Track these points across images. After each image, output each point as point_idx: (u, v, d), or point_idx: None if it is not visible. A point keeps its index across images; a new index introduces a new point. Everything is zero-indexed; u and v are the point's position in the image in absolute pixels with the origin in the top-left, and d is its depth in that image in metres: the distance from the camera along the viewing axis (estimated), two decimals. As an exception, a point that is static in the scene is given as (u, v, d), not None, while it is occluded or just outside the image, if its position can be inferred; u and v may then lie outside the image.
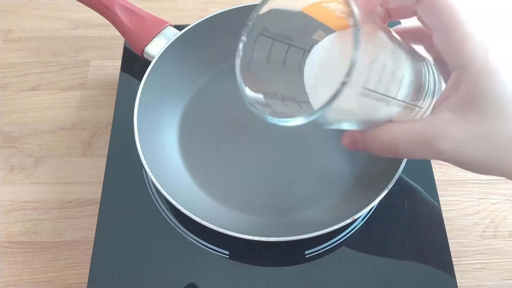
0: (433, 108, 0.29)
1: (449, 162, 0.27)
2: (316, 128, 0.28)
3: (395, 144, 0.27)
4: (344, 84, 0.22)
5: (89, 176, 0.48)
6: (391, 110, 0.28)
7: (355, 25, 0.23)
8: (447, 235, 0.42)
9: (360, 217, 0.39)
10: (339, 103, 0.23)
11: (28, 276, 0.43)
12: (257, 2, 0.51)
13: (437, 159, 0.27)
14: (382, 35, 0.26)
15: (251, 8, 0.51)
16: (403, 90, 0.27)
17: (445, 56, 0.27)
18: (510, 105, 0.25)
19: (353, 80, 0.22)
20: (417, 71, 0.28)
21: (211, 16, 0.49)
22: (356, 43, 0.22)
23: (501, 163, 0.27)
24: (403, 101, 0.28)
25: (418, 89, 0.28)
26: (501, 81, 0.25)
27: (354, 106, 0.26)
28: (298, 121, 0.25)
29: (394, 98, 0.27)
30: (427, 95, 0.30)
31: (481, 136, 0.26)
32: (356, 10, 0.23)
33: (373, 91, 0.25)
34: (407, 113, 0.29)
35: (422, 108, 0.30)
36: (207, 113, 0.49)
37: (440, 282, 0.40)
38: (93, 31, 0.60)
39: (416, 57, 0.29)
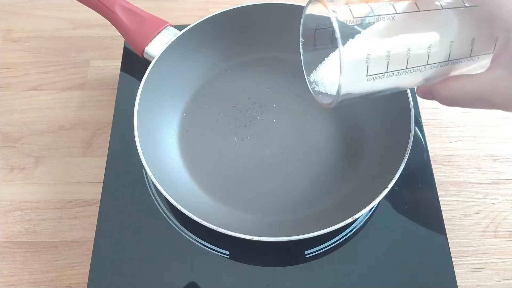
0: (491, 60, 0.30)
1: (503, 110, 0.30)
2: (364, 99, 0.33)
3: (454, 99, 0.31)
4: (339, 86, 0.29)
5: (89, 176, 0.48)
6: (434, 72, 0.31)
7: (335, 30, 0.28)
8: (447, 235, 0.42)
9: (360, 217, 0.39)
10: (348, 93, 0.30)
11: (28, 276, 0.43)
12: (257, 2, 0.51)
13: (491, 109, 0.31)
14: (384, 24, 0.30)
15: (251, 8, 0.51)
16: (438, 54, 0.30)
17: (492, 16, 0.29)
18: None
19: (346, 79, 0.29)
20: (457, 30, 0.30)
21: (211, 16, 0.49)
22: (339, 46, 0.28)
23: None
24: (447, 61, 0.31)
25: (465, 44, 0.31)
26: None
27: (372, 87, 0.31)
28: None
29: (426, 65, 0.30)
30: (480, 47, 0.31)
31: None
32: (332, 17, 0.28)
33: (383, 73, 0.30)
34: (465, 65, 0.32)
35: (479, 57, 0.31)
36: (207, 113, 0.49)
37: (440, 282, 0.40)
38: (93, 31, 0.60)
39: (456, 15, 0.31)
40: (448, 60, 0.31)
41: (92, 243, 0.42)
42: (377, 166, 0.43)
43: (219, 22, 0.49)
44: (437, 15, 0.31)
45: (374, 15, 0.30)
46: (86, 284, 0.40)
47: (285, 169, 0.45)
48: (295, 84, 0.50)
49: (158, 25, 0.49)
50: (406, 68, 0.31)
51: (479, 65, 0.32)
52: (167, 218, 0.43)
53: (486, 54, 0.31)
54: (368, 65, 0.29)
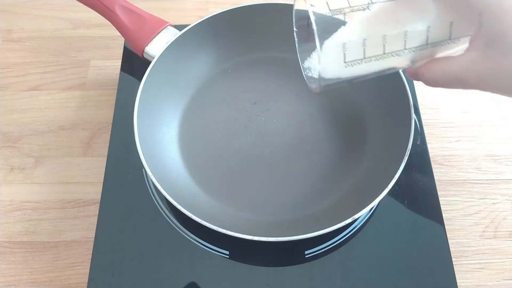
0: (469, 42, 0.31)
1: (480, 90, 0.32)
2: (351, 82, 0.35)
3: (436, 81, 0.33)
4: (319, 73, 0.33)
5: (89, 176, 0.48)
6: (412, 55, 0.33)
7: (311, 23, 0.31)
8: (447, 235, 0.42)
9: (360, 217, 0.39)
10: (330, 79, 0.34)
11: (28, 276, 0.43)
12: (257, 2, 0.51)
13: (469, 89, 0.32)
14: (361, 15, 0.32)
15: (251, 8, 0.51)
16: (416, 39, 0.32)
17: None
18: None
19: (323, 66, 0.33)
20: (434, 15, 0.31)
21: (211, 16, 0.49)
22: (315, 36, 0.31)
23: None
24: (425, 44, 0.32)
25: (443, 28, 0.32)
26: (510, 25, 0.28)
27: (353, 72, 0.33)
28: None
29: (404, 49, 0.32)
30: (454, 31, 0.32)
31: (501, 71, 0.29)
32: (309, 10, 0.31)
33: (360, 59, 0.32)
34: (448, 47, 0.33)
35: (460, 39, 0.33)
36: (207, 113, 0.49)
37: (440, 282, 0.40)
38: (93, 31, 0.60)
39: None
40: (426, 44, 0.32)
41: (92, 243, 0.42)
42: (377, 166, 0.43)
43: (219, 22, 0.49)
44: (412, 2, 0.32)
45: (350, 6, 0.32)
46: (86, 284, 0.40)
47: (285, 169, 0.45)
48: (295, 84, 0.50)
49: (158, 25, 0.49)
50: (384, 54, 0.32)
51: (462, 47, 0.32)
52: (167, 218, 0.43)
53: (468, 36, 0.32)
54: (345, 53, 0.32)
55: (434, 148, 0.49)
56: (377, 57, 0.33)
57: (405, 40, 0.32)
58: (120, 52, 0.54)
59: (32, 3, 0.62)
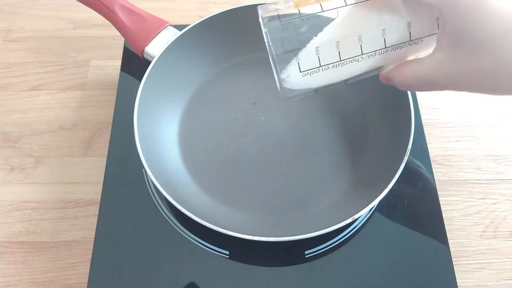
0: (436, 42, 0.30)
1: (452, 90, 0.30)
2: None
3: (408, 84, 0.32)
4: (280, 83, 0.33)
5: (89, 176, 0.48)
6: (373, 60, 0.32)
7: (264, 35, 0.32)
8: (447, 235, 0.42)
9: (360, 217, 0.39)
10: (293, 89, 0.34)
11: (28, 276, 0.43)
12: (257, 2, 0.51)
13: (441, 90, 0.31)
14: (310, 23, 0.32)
15: (251, 8, 0.51)
16: (372, 43, 0.32)
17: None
18: (489, 39, 0.27)
19: (282, 77, 0.33)
20: (388, 17, 0.31)
21: (211, 16, 0.49)
22: (268, 50, 0.32)
23: (496, 83, 0.29)
24: (384, 48, 0.32)
25: (401, 29, 0.31)
26: (474, 19, 0.27)
27: (312, 82, 0.33)
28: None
29: (362, 55, 0.32)
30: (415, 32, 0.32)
31: (470, 71, 0.28)
32: (261, 23, 0.32)
33: (317, 67, 0.32)
34: (413, 48, 0.32)
35: (423, 39, 0.32)
36: (207, 113, 0.49)
37: (440, 282, 0.40)
38: (93, 31, 0.60)
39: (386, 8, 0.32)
40: (386, 47, 0.32)
41: (92, 243, 0.42)
42: (377, 166, 0.43)
43: (219, 22, 0.49)
44: (364, 6, 0.31)
45: (301, 17, 0.32)
46: (86, 284, 0.40)
47: (285, 169, 0.45)
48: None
49: (158, 25, 0.49)
50: (341, 60, 0.32)
51: (431, 48, 0.32)
52: (167, 218, 0.43)
53: (432, 35, 0.31)
54: (298, 62, 0.32)
55: (434, 148, 0.49)
56: (335, 64, 0.32)
57: (360, 45, 0.32)
58: (120, 52, 0.54)
59: (32, 3, 0.62)
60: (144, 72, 0.45)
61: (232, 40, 0.51)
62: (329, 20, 0.32)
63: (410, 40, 0.32)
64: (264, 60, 0.52)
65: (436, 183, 0.45)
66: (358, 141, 0.47)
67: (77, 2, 0.50)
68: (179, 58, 0.48)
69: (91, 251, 0.41)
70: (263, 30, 0.32)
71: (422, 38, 0.32)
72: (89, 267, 0.41)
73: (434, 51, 0.30)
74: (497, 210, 0.46)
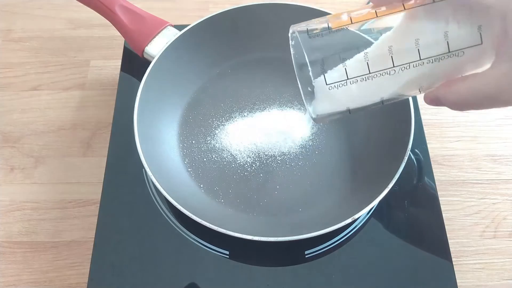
0: (496, 53, 0.28)
1: None
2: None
3: (463, 102, 0.29)
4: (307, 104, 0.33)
5: (89, 176, 0.48)
6: (408, 74, 0.30)
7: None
8: (447, 235, 0.42)
9: (360, 217, 0.39)
10: (324, 110, 0.33)
11: (28, 276, 0.43)
12: (257, 2, 0.51)
13: (504, 107, 0.28)
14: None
15: (251, 8, 0.51)
16: (404, 54, 0.29)
17: (472, 3, 0.27)
18: None
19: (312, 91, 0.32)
20: (423, 25, 0.29)
21: (211, 16, 0.49)
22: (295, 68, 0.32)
23: None
24: (419, 60, 0.29)
25: (436, 40, 0.29)
26: None
27: (344, 98, 0.32)
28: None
29: (394, 67, 0.30)
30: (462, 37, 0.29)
31: None
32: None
33: (344, 80, 0.31)
34: (452, 64, 0.29)
35: (465, 51, 0.29)
36: (207, 112, 0.49)
37: (440, 282, 0.40)
38: (93, 31, 0.60)
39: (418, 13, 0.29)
40: (421, 59, 0.29)
41: (92, 243, 0.42)
42: (377, 166, 0.43)
43: (219, 22, 0.49)
44: (396, 16, 0.30)
45: (329, 29, 0.31)
46: (86, 284, 0.40)
47: (285, 169, 0.45)
48: (295, 84, 0.49)
49: (158, 25, 0.49)
50: (370, 73, 0.30)
51: (478, 62, 0.29)
52: (167, 218, 0.43)
53: (473, 46, 0.29)
54: (324, 74, 0.31)
55: (434, 148, 0.49)
56: (363, 78, 0.31)
57: (391, 57, 0.30)
58: (120, 52, 0.54)
59: (32, 3, 0.62)
60: (144, 72, 0.45)
61: (232, 40, 0.51)
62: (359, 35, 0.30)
63: (449, 52, 0.29)
64: (264, 60, 0.52)
65: (436, 183, 0.45)
66: (358, 141, 0.47)
67: (77, 2, 0.50)
68: (179, 58, 0.48)
69: (91, 251, 0.41)
70: (290, 43, 0.32)
71: (463, 50, 0.29)
72: (89, 267, 0.41)
73: (494, 63, 0.27)
74: (497, 210, 0.46)
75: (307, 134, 0.47)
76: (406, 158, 0.39)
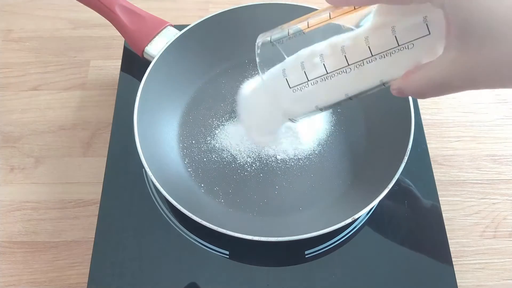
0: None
1: (470, 90, 0.28)
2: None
3: (423, 91, 0.29)
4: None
5: (89, 176, 0.48)
6: (364, 70, 0.32)
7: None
8: (447, 235, 0.42)
9: (360, 217, 0.39)
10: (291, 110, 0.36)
11: (28, 276, 0.43)
12: (257, 2, 0.51)
13: (458, 91, 0.28)
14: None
15: (252, 8, 0.51)
16: (356, 52, 0.31)
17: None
18: (500, 24, 0.24)
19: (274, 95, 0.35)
20: (370, 24, 0.31)
21: (211, 16, 0.49)
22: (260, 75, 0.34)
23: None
24: (371, 56, 0.31)
25: (385, 35, 0.30)
26: (481, 6, 0.25)
27: (310, 98, 0.34)
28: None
29: (349, 66, 0.32)
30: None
31: (482, 65, 0.26)
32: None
33: (305, 82, 0.33)
34: (405, 56, 0.30)
35: (414, 43, 0.30)
36: (207, 113, 0.49)
37: (440, 282, 0.40)
38: (93, 31, 0.60)
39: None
40: (373, 55, 0.31)
41: (92, 243, 0.42)
42: (377, 166, 0.43)
43: (219, 22, 0.49)
44: (346, 17, 0.31)
45: (288, 36, 0.33)
46: (86, 284, 0.40)
47: (285, 169, 0.45)
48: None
49: (158, 25, 0.49)
50: (328, 73, 0.32)
51: (432, 51, 0.30)
52: (167, 218, 0.43)
53: (422, 37, 0.30)
54: (286, 78, 0.34)
55: (434, 148, 0.49)
56: (323, 78, 0.33)
57: (344, 56, 0.31)
58: (120, 52, 0.54)
59: (32, 3, 0.62)
60: (144, 72, 0.45)
61: (232, 40, 0.51)
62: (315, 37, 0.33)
63: (399, 46, 0.30)
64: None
65: (436, 183, 0.45)
66: (358, 141, 0.47)
67: (77, 2, 0.50)
68: (179, 58, 0.48)
69: (91, 251, 0.41)
70: (256, 52, 0.34)
71: (412, 42, 0.30)
72: (89, 267, 0.41)
73: (444, 51, 0.28)
74: (497, 210, 0.46)
75: (307, 134, 0.47)
76: (406, 158, 0.39)
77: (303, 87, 0.34)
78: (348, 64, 0.32)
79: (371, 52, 0.31)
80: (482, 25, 0.25)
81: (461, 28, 0.26)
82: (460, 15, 0.25)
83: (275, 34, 0.34)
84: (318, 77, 0.33)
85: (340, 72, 0.32)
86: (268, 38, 0.34)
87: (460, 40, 0.26)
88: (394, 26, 0.30)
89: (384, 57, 0.31)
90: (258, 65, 0.34)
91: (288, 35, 0.33)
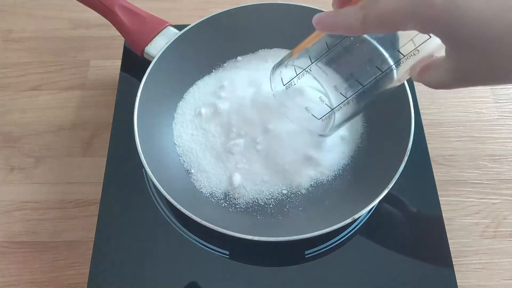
0: None
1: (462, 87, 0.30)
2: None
3: (436, 88, 0.31)
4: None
5: (89, 176, 0.48)
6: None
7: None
8: (447, 235, 0.42)
9: (360, 217, 0.39)
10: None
11: (28, 276, 0.43)
12: (257, 2, 0.51)
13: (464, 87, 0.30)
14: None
15: (251, 8, 0.51)
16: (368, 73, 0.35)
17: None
18: (489, 37, 0.25)
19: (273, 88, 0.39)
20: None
21: (211, 16, 0.49)
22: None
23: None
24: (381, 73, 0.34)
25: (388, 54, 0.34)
26: (466, 24, 0.25)
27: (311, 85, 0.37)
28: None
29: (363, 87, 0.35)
30: None
31: (480, 68, 0.27)
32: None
33: (294, 77, 0.37)
34: (415, 60, 0.33)
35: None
36: (207, 113, 0.49)
37: (440, 282, 0.40)
38: (93, 31, 0.60)
39: None
40: (382, 72, 0.34)
41: (92, 243, 0.42)
42: (377, 166, 0.43)
43: (219, 22, 0.49)
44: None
45: (297, 75, 0.37)
46: (86, 284, 0.40)
47: (285, 169, 0.45)
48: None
49: (158, 25, 0.49)
50: (347, 99, 0.36)
51: (428, 48, 0.32)
52: (167, 218, 0.43)
53: (425, 42, 0.31)
54: (281, 77, 0.38)
55: (434, 148, 0.49)
56: (308, 69, 0.36)
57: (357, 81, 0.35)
58: (120, 52, 0.54)
59: (32, 3, 0.63)
60: (144, 72, 0.45)
61: (232, 40, 0.51)
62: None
63: (415, 48, 0.32)
64: (264, 60, 0.52)
65: (436, 183, 0.45)
66: (358, 141, 0.47)
67: (77, 2, 0.50)
68: (179, 58, 0.48)
69: (91, 251, 0.41)
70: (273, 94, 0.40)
71: (417, 49, 0.32)
72: (89, 267, 0.41)
73: (446, 56, 0.29)
74: (497, 210, 0.46)
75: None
76: (406, 158, 0.39)
77: (293, 82, 0.37)
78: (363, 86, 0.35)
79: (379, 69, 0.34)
80: (469, 42, 0.26)
81: (450, 49, 0.27)
82: (449, 42, 0.27)
83: (284, 73, 0.38)
84: (303, 69, 0.36)
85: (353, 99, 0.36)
86: (279, 78, 0.38)
87: (457, 53, 0.27)
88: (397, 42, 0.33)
89: (396, 66, 0.34)
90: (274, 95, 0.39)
91: (297, 74, 0.37)
